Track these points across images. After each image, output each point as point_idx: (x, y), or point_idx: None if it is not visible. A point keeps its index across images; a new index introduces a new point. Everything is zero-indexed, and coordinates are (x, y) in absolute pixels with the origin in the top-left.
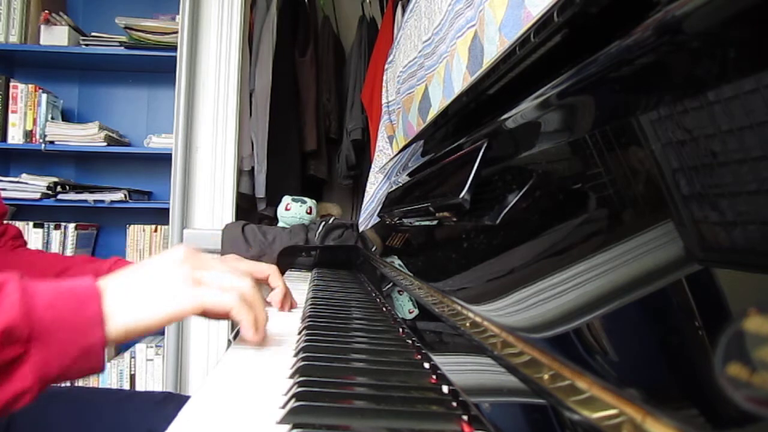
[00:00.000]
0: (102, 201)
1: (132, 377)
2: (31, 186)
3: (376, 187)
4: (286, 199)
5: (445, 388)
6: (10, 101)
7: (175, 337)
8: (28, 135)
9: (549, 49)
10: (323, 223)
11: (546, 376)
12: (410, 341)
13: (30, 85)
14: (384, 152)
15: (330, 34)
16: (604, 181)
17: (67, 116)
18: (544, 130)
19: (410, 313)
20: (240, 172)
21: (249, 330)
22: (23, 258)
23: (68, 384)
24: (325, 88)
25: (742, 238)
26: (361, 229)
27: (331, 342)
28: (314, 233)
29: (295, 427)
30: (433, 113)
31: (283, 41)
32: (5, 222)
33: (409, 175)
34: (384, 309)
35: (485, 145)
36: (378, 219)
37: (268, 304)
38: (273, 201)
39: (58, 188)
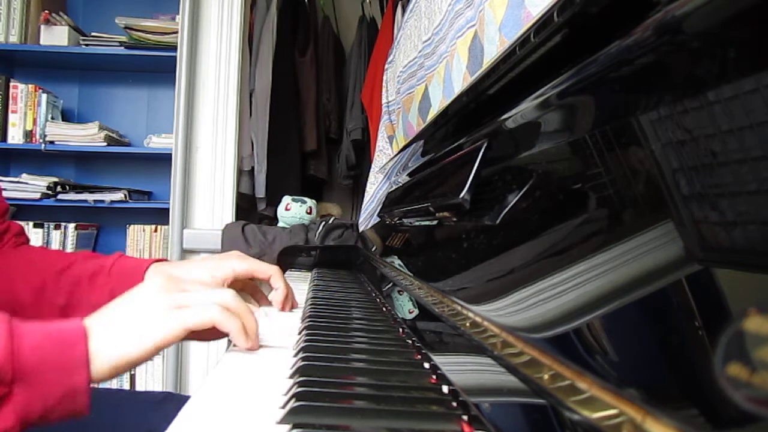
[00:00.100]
0: (102, 201)
1: (132, 377)
2: (31, 186)
3: (376, 187)
4: (286, 199)
5: (445, 388)
6: (10, 101)
7: None
8: (28, 135)
9: (549, 49)
10: (323, 223)
11: (546, 376)
12: (410, 341)
13: (30, 85)
14: (384, 152)
15: (330, 34)
16: (604, 181)
17: (67, 116)
18: (544, 130)
19: (410, 313)
20: (240, 172)
21: (239, 337)
22: (26, 255)
23: None
24: (325, 88)
25: (742, 238)
26: (361, 229)
27: (331, 342)
28: (314, 233)
29: (295, 427)
30: (433, 113)
31: (283, 41)
32: (7, 219)
33: (409, 175)
34: (384, 309)
35: (485, 145)
36: (378, 219)
37: (269, 303)
38: (273, 201)
39: (58, 188)
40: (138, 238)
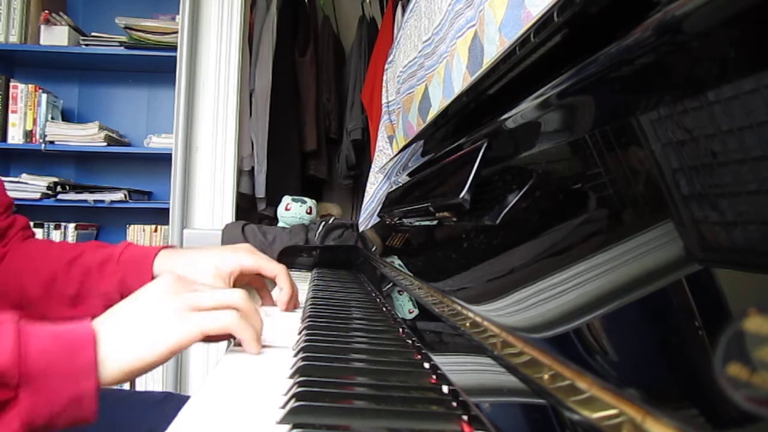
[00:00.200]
0: (102, 201)
1: None
2: (31, 186)
3: (376, 187)
4: (286, 199)
5: (445, 388)
6: (10, 101)
7: None
8: (28, 135)
9: (549, 49)
10: (323, 223)
11: (546, 376)
12: (410, 341)
13: (30, 85)
14: (384, 152)
15: (330, 34)
16: (604, 181)
17: (67, 116)
18: (544, 130)
19: (410, 313)
20: (240, 172)
21: (252, 345)
22: (34, 248)
23: None
24: (325, 88)
25: (742, 238)
26: (361, 229)
27: (331, 342)
28: (314, 233)
29: (295, 427)
30: (433, 113)
31: (283, 41)
32: (12, 214)
33: (409, 175)
34: (384, 309)
35: (485, 145)
36: (378, 219)
37: (273, 303)
38: (273, 201)
39: (58, 188)
40: (138, 238)
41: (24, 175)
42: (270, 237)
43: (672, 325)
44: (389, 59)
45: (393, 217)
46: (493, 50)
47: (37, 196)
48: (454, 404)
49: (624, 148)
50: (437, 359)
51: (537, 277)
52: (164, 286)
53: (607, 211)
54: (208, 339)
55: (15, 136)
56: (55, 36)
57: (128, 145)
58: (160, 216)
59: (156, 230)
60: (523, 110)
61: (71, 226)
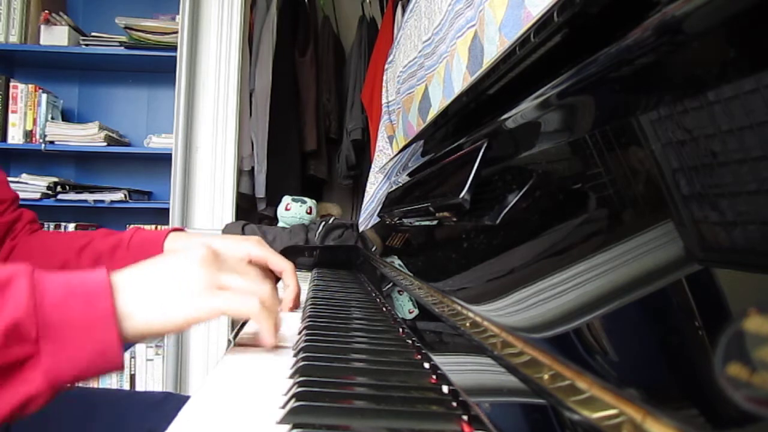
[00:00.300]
0: (102, 201)
1: (132, 377)
2: (31, 186)
3: (376, 187)
4: (286, 199)
5: (445, 388)
6: (10, 101)
7: (175, 337)
8: (28, 135)
9: (549, 49)
10: (323, 223)
11: (546, 376)
12: (410, 341)
13: (30, 85)
14: (384, 152)
15: (330, 34)
16: (604, 181)
17: (67, 116)
18: (544, 130)
19: (410, 313)
20: (240, 172)
21: (269, 336)
22: (43, 240)
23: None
24: (325, 88)
25: (742, 238)
26: (361, 229)
27: (331, 342)
28: (314, 233)
29: (295, 427)
30: (433, 113)
31: (283, 41)
32: (18, 208)
33: (409, 175)
34: (384, 309)
35: (485, 145)
36: (378, 219)
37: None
38: (273, 201)
39: (58, 188)
40: None
41: (24, 175)
42: (270, 237)
43: (672, 325)
44: (389, 59)
45: (393, 217)
46: (493, 50)
47: (37, 196)
48: (454, 404)
49: (624, 148)
50: (437, 359)
51: (537, 277)
52: (199, 257)
53: (607, 211)
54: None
55: (15, 136)
56: (55, 36)
57: (128, 145)
58: (160, 216)
59: (156, 230)
60: (523, 110)
61: (71, 226)
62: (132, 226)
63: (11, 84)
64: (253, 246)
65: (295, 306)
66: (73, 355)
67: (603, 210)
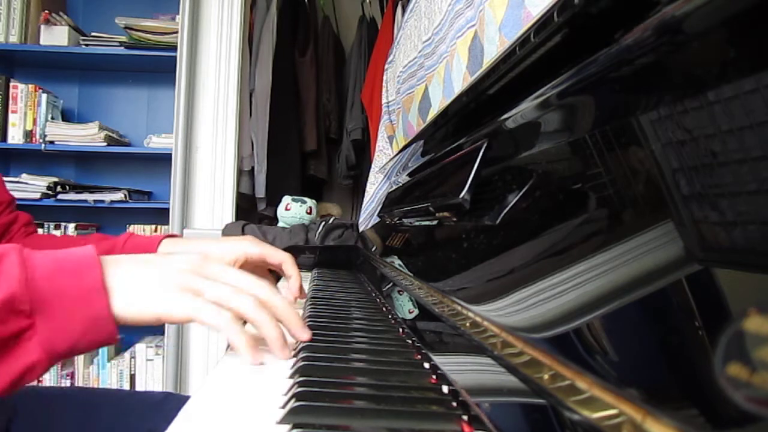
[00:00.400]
0: (102, 201)
1: (132, 377)
2: (31, 186)
3: (376, 187)
4: (286, 199)
5: (445, 388)
6: (10, 101)
7: (175, 337)
8: (28, 135)
9: (549, 49)
10: (323, 223)
11: (546, 376)
12: (410, 341)
13: (30, 85)
14: (384, 152)
15: (330, 34)
16: (604, 181)
17: (67, 116)
18: (544, 130)
19: (410, 313)
20: (240, 172)
21: (242, 351)
22: (37, 243)
23: (68, 384)
24: (325, 88)
25: (742, 238)
26: (361, 229)
27: (331, 342)
28: (314, 233)
29: (295, 427)
30: (433, 113)
31: (283, 41)
32: (15, 210)
33: (409, 175)
34: (384, 309)
35: (485, 145)
36: (378, 219)
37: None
38: (273, 201)
39: (58, 188)
40: None
41: (24, 175)
42: (270, 237)
43: (672, 325)
44: (389, 59)
45: (393, 217)
46: (493, 50)
47: (37, 196)
48: (454, 404)
49: (624, 148)
50: (437, 359)
51: (537, 277)
52: (183, 261)
53: (607, 211)
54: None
55: (15, 136)
56: (55, 36)
57: (128, 145)
58: (160, 216)
59: (156, 230)
60: (523, 110)
61: (71, 226)
62: (132, 226)
63: (11, 84)
64: (249, 245)
65: (302, 296)
66: (67, 325)
67: (603, 210)
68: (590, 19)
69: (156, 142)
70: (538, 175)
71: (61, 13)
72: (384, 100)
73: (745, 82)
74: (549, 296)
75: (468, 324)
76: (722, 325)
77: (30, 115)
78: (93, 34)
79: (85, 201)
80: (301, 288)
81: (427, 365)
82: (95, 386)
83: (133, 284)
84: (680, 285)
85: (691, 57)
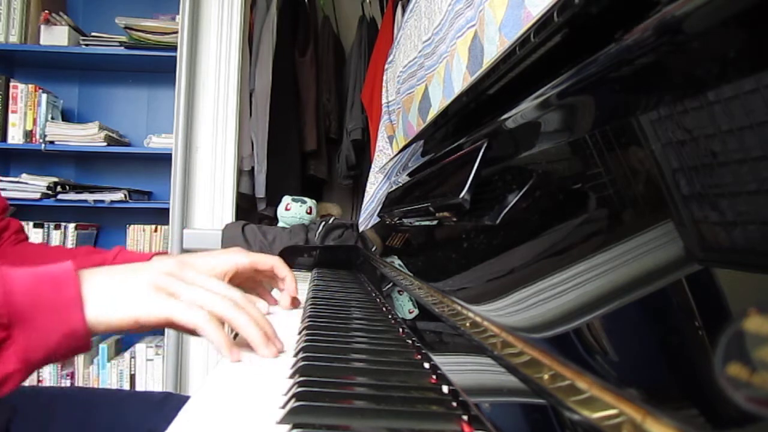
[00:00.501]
0: (102, 201)
1: (132, 377)
2: (31, 186)
3: (376, 187)
4: (286, 199)
5: (445, 388)
6: (10, 101)
7: (175, 337)
8: (28, 135)
9: (549, 49)
10: (323, 223)
11: (546, 376)
12: (410, 341)
13: (30, 85)
14: (384, 152)
15: (330, 34)
16: (604, 181)
17: (67, 116)
18: (544, 130)
19: (410, 313)
20: (240, 172)
21: (221, 349)
22: (27, 251)
23: (68, 384)
24: (325, 88)
25: (742, 238)
26: (361, 229)
27: (331, 342)
28: (314, 233)
29: (295, 427)
30: (433, 113)
31: (283, 41)
32: (7, 217)
33: (409, 175)
34: (384, 309)
35: (485, 145)
36: (378, 219)
37: (274, 301)
38: (273, 201)
39: (58, 188)
40: (138, 238)
41: (24, 175)
42: (270, 237)
43: (672, 325)
44: (389, 59)
45: (393, 217)
46: (493, 50)
47: (37, 196)
48: (454, 404)
49: (624, 148)
50: (437, 359)
51: (537, 277)
52: (162, 264)
53: (607, 211)
54: (182, 330)
55: (15, 136)
56: (55, 36)
57: (128, 145)
58: (160, 216)
59: (156, 230)
60: (523, 110)
61: (71, 226)
62: (132, 226)
63: (11, 84)
64: (237, 256)
65: (296, 295)
66: (44, 336)
67: (603, 210)
68: (590, 19)
69: (156, 142)
70: (538, 175)
71: (61, 13)
72: (384, 100)
73: (745, 82)
74: (549, 296)
75: (468, 324)
76: (722, 325)
77: (30, 115)
78: (93, 34)
79: (85, 201)
80: (296, 287)
81: (427, 365)
82: (95, 386)
83: (109, 291)
84: (680, 285)
85: (691, 57)
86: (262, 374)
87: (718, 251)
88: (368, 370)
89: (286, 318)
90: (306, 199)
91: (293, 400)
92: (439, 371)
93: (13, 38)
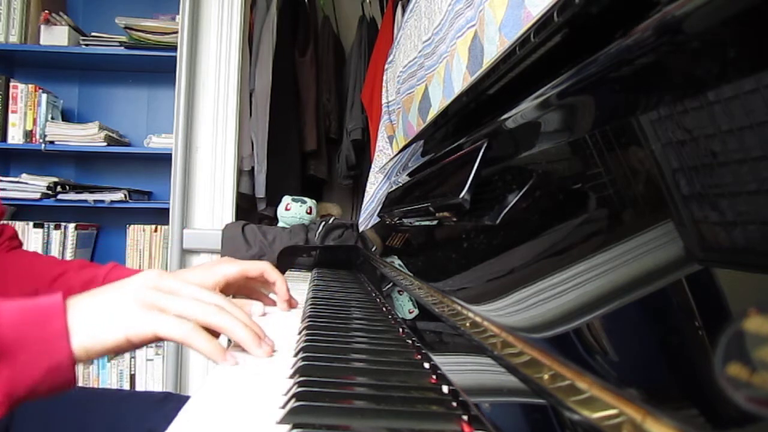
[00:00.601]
0: (102, 201)
1: (132, 377)
2: (31, 186)
3: (376, 187)
4: (286, 199)
5: (445, 388)
6: (10, 101)
7: None
8: (28, 135)
9: (549, 49)
10: (323, 223)
11: (546, 376)
12: (410, 341)
13: (30, 85)
14: (384, 152)
15: (330, 34)
16: (604, 181)
17: (67, 116)
18: (544, 130)
19: (410, 313)
20: (240, 172)
21: (212, 357)
22: (19, 260)
23: None
24: (325, 88)
25: (742, 238)
26: (361, 229)
27: (331, 342)
28: (314, 233)
29: (295, 427)
30: (433, 113)
31: (283, 41)
32: (2, 222)
33: (409, 175)
34: (384, 309)
35: (485, 145)
36: (378, 219)
37: (272, 303)
38: (273, 201)
39: (58, 188)
40: (138, 238)
41: (24, 175)
42: (270, 237)
43: (672, 325)
44: (389, 59)
45: (393, 217)
46: (493, 50)
47: (37, 196)
48: (454, 404)
49: (624, 148)
50: (437, 359)
51: (537, 277)
52: (144, 279)
53: (607, 211)
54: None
55: (15, 136)
56: (55, 36)
57: (128, 145)
58: (160, 216)
59: (156, 230)
60: (523, 110)
61: (71, 226)
62: (132, 226)
63: (11, 84)
64: (226, 267)
65: (291, 305)
66: (28, 371)
67: (603, 210)
68: (590, 19)
69: (156, 142)
70: (538, 175)
71: (61, 13)
72: (384, 100)
73: (745, 82)
74: (549, 296)
75: (468, 324)
76: (722, 325)
77: (30, 115)
78: (93, 34)
79: (85, 201)
80: (288, 290)
81: (427, 365)
82: (95, 386)
83: (95, 316)
84: (680, 285)
85: (691, 57)
86: (262, 374)
87: (718, 251)
88: (368, 370)
89: (285, 318)
90: (306, 199)
91: (293, 400)
92: (439, 371)
93: (13, 38)
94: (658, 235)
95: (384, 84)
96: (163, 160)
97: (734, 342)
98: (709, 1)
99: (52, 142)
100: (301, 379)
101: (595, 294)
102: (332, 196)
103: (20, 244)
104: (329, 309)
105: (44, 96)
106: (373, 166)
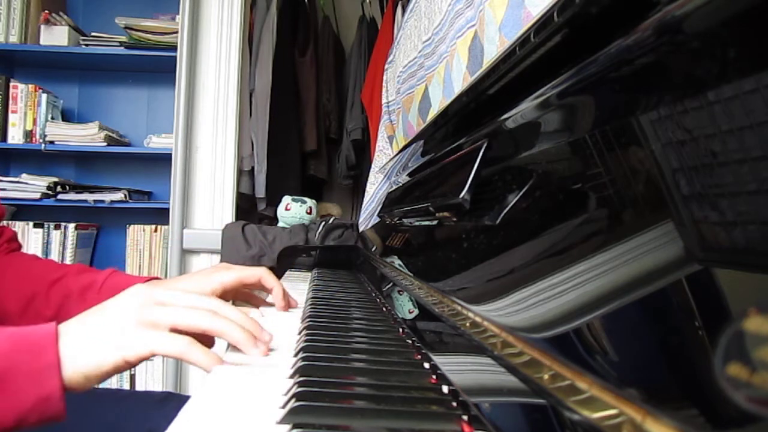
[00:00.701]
0: (102, 201)
1: (132, 377)
2: (31, 186)
3: (376, 187)
4: (286, 199)
5: (445, 388)
6: (10, 101)
7: None
8: (28, 135)
9: (549, 49)
10: (323, 223)
11: (546, 376)
12: (410, 341)
13: (30, 85)
14: (384, 152)
15: (330, 34)
16: (604, 181)
17: (67, 116)
18: (544, 130)
19: (410, 313)
20: (240, 172)
21: (210, 369)
22: (18, 263)
23: None
24: (325, 88)
25: (742, 238)
26: (361, 229)
27: (331, 342)
28: (314, 233)
29: (295, 426)
30: (433, 113)
31: (283, 41)
32: (2, 224)
33: (409, 175)
34: (384, 309)
35: (485, 145)
36: (378, 219)
37: (271, 304)
38: (273, 201)
39: (58, 188)
40: (138, 238)
41: (24, 175)
42: (270, 237)
43: (672, 325)
44: (389, 59)
45: (393, 217)
46: (493, 50)
47: (37, 196)
48: (454, 404)
49: (624, 148)
50: (437, 359)
51: (537, 277)
52: (132, 297)
53: (607, 211)
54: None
55: (15, 136)
56: (55, 36)
57: (128, 145)
58: (160, 216)
59: (156, 230)
60: (523, 110)
61: (71, 226)
62: (132, 226)
63: (11, 84)
64: (222, 274)
65: (291, 305)
66: (17, 402)
67: (603, 210)
68: (590, 19)
69: (156, 142)
70: (538, 175)
71: (61, 13)
72: (384, 100)
73: (745, 82)
74: (549, 296)
75: (468, 324)
76: (722, 325)
77: (30, 115)
78: (93, 34)
79: (85, 201)
80: (285, 295)
81: (427, 365)
82: (95, 386)
83: (89, 342)
84: (680, 285)
85: (691, 57)
86: (263, 374)
87: (718, 251)
88: (368, 370)
89: (285, 318)
90: (306, 199)
91: (293, 400)
92: (439, 371)
93: (13, 38)
94: (658, 235)
95: (384, 84)
96: (163, 160)
97: (734, 342)
98: (709, 1)
99: (52, 142)
100: (301, 379)
101: (595, 294)
102: (332, 196)
103: (19, 246)
104: (329, 309)
105: (44, 96)
106: (373, 166)
